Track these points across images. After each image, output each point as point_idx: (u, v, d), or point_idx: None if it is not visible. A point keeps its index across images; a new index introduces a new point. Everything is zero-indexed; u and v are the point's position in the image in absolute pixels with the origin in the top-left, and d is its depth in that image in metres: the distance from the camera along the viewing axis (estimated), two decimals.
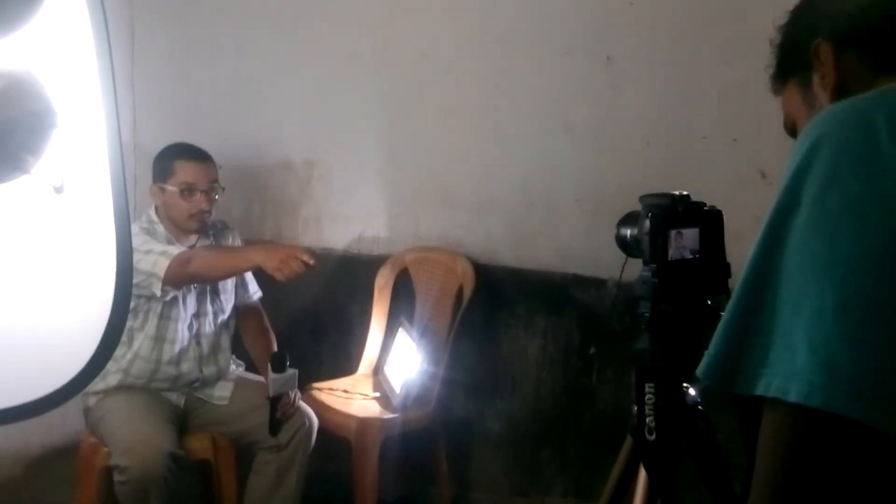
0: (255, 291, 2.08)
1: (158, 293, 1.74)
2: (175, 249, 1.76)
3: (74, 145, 0.78)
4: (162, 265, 1.71)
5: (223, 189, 1.92)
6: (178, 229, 1.89)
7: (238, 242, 2.04)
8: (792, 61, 0.77)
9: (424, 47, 2.18)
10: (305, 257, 1.66)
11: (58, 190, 0.78)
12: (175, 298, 1.83)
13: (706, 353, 0.64)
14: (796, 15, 0.78)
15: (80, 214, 0.83)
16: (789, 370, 0.58)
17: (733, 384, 0.62)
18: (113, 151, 0.80)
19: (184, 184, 1.83)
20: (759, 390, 0.60)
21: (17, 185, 0.76)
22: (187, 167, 1.85)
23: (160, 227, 1.87)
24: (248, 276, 2.05)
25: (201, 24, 2.56)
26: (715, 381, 0.63)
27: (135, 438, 1.67)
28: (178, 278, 1.75)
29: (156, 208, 1.90)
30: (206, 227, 1.92)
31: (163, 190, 1.85)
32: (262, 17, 2.45)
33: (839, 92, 0.71)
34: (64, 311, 0.86)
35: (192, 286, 1.86)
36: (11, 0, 0.68)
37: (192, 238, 1.92)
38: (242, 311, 2.05)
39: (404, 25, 2.21)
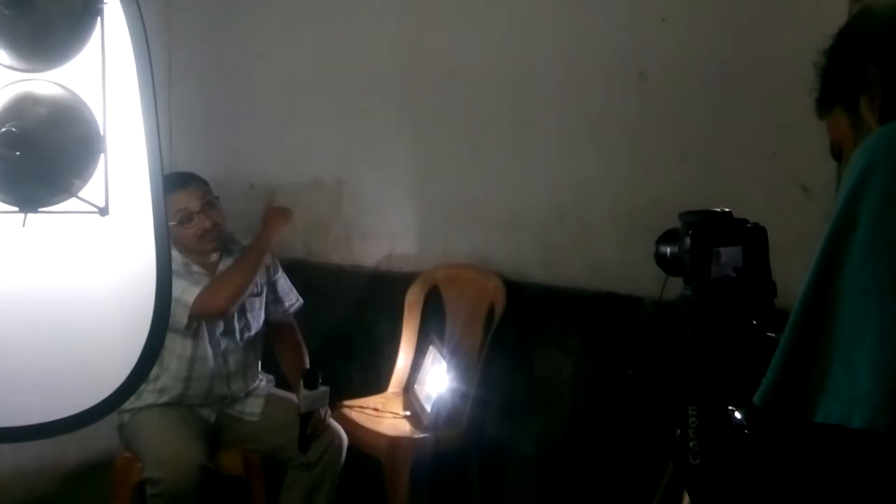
0: (291, 304, 2.08)
1: (183, 326, 1.79)
2: (193, 291, 1.78)
3: (118, 169, 0.80)
4: (182, 309, 1.75)
5: (218, 198, 1.92)
6: (196, 253, 1.89)
7: (269, 259, 2.02)
8: (838, 85, 0.77)
9: (453, 65, 2.19)
10: (275, 204, 1.98)
11: (102, 212, 0.80)
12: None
13: (763, 379, 0.63)
14: (841, 39, 0.77)
15: (123, 236, 0.84)
16: (851, 396, 0.57)
17: (793, 411, 0.61)
18: (154, 175, 0.81)
19: (178, 214, 1.83)
20: (820, 417, 0.59)
21: (64, 208, 0.78)
22: (175, 198, 1.83)
23: (174, 251, 1.85)
24: (283, 289, 2.06)
25: (234, 47, 2.63)
26: (773, 408, 0.62)
27: (167, 452, 1.69)
28: (212, 314, 1.81)
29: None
30: (222, 240, 1.92)
31: None
32: (293, 40, 2.50)
33: (887, 114, 0.70)
34: (104, 330, 0.88)
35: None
36: (62, 32, 0.70)
37: (215, 256, 1.92)
38: (275, 326, 2.06)
39: (433, 44, 2.23)
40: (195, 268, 1.88)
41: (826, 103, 0.79)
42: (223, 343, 1.90)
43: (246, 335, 1.95)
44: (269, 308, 2.02)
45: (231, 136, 2.64)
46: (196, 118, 2.66)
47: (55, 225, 0.79)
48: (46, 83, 0.74)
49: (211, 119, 2.68)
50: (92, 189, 0.79)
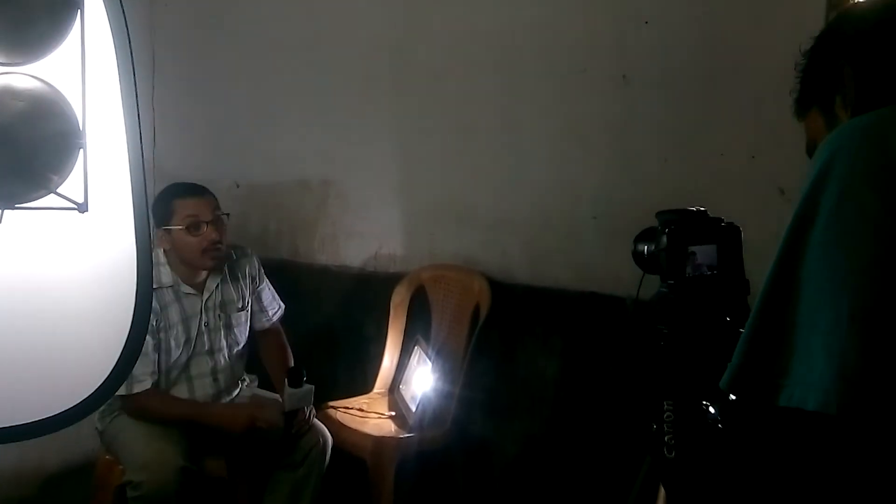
0: (274, 312, 2.06)
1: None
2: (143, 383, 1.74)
3: (98, 165, 0.80)
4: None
5: (228, 216, 1.88)
6: (190, 268, 1.84)
7: (256, 270, 2.01)
8: (816, 86, 0.79)
9: (440, 67, 2.20)
10: (262, 422, 1.78)
11: (81, 208, 0.79)
12: (200, 335, 1.85)
13: (729, 364, 0.65)
14: (821, 39, 0.80)
15: (103, 233, 0.84)
16: (807, 380, 0.60)
17: (756, 396, 0.64)
18: (135, 172, 0.81)
19: (188, 218, 1.78)
20: (782, 402, 0.62)
21: (42, 204, 0.78)
22: (187, 203, 1.79)
23: (166, 269, 1.82)
24: (267, 298, 2.05)
25: (220, 46, 2.62)
26: (738, 392, 0.65)
27: (148, 454, 1.68)
28: (132, 410, 1.77)
29: (164, 252, 1.83)
30: (221, 261, 1.88)
31: (168, 232, 1.80)
32: (280, 39, 2.50)
33: (860, 113, 0.72)
34: (83, 330, 0.87)
35: (205, 320, 1.86)
36: (42, 25, 0.70)
37: (204, 274, 1.87)
38: (261, 333, 2.05)
39: (420, 46, 2.24)
40: (185, 288, 1.84)
41: (804, 104, 0.81)
42: (212, 362, 1.89)
43: (235, 350, 1.94)
44: (253, 318, 2.01)
45: (216, 135, 2.63)
46: (180, 116, 2.64)
47: (32, 221, 0.79)
48: (25, 77, 0.74)
49: (195, 117, 2.66)
50: (71, 185, 0.78)
